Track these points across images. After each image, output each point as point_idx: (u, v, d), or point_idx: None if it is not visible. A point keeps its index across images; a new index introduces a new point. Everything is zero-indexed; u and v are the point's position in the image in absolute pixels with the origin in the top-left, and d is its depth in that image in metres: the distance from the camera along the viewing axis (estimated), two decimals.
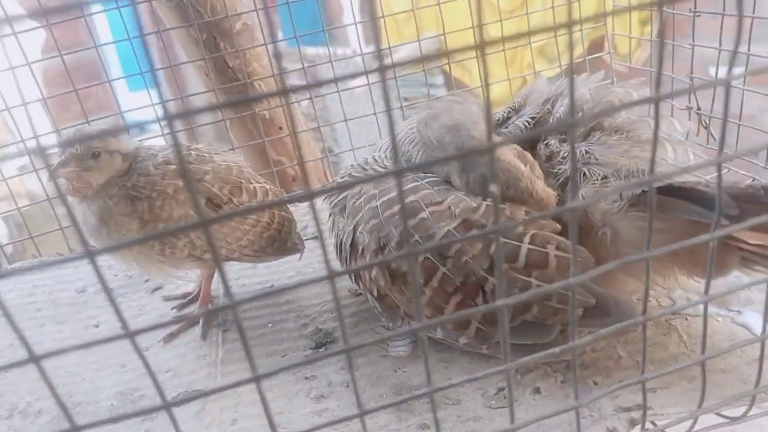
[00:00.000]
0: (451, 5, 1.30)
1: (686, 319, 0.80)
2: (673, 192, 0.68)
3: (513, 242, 0.68)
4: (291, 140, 1.37)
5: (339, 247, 0.86)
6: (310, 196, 0.36)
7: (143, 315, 1.05)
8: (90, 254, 0.36)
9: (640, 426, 0.59)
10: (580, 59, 1.46)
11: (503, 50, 1.37)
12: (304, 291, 1.02)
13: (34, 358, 0.38)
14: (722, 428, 0.60)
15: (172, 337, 0.96)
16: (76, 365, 0.93)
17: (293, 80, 1.75)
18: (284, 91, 0.35)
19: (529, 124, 0.84)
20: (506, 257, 0.68)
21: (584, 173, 0.77)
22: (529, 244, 0.68)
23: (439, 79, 3.13)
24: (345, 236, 0.84)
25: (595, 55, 1.48)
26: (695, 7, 1.10)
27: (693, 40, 1.12)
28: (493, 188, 0.38)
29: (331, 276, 0.39)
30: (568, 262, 0.67)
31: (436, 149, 0.79)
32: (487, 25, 1.41)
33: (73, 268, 1.21)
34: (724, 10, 1.08)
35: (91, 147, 0.84)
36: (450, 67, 1.73)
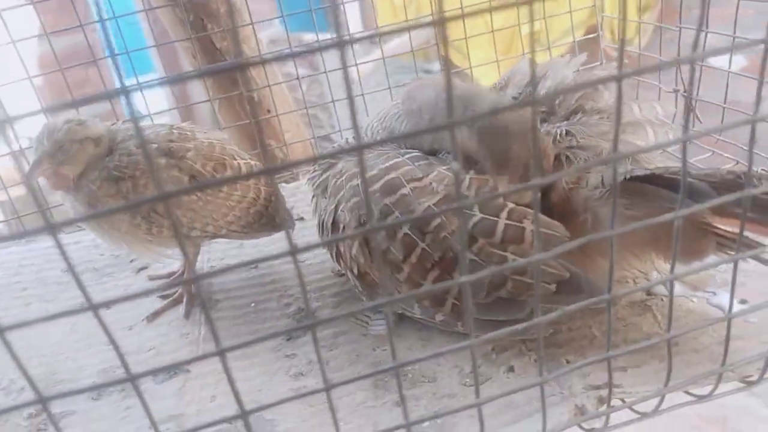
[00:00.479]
0: None
1: (662, 299, 0.81)
2: (656, 180, 0.68)
3: (491, 217, 0.69)
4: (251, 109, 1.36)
5: (321, 226, 0.87)
6: (270, 171, 0.37)
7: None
8: (51, 227, 0.36)
9: (609, 406, 0.60)
10: (572, 41, 1.45)
11: (491, 31, 1.37)
12: (288, 271, 1.03)
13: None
14: (689, 406, 0.61)
15: (155, 315, 0.97)
16: (60, 343, 0.94)
17: (290, 66, 1.74)
18: (242, 65, 0.36)
19: None
20: (484, 232, 0.68)
21: (567, 156, 0.78)
22: (506, 219, 0.69)
23: (437, 66, 3.12)
24: (326, 216, 0.84)
25: (588, 36, 1.47)
26: None
27: (680, 23, 1.12)
28: (455, 165, 0.38)
29: (293, 252, 0.40)
30: (545, 237, 0.68)
31: (423, 113, 0.79)
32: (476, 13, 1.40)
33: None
34: None
35: (58, 141, 0.83)
36: (439, 49, 1.72)
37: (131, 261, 1.13)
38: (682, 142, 0.45)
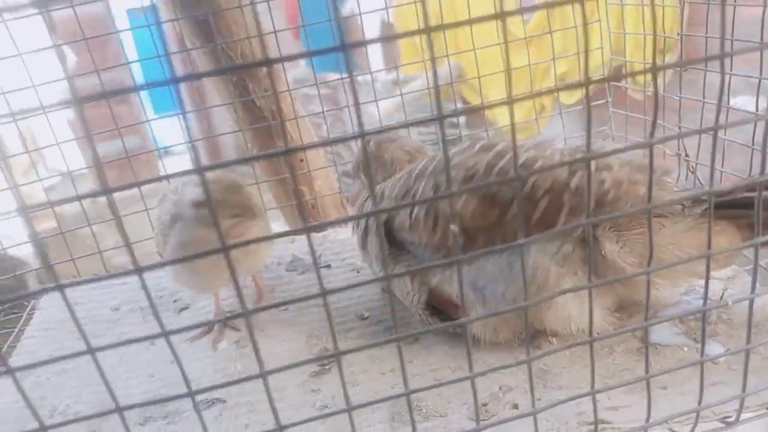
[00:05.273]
0: (469, 29, 1.40)
1: (656, 348, 0.88)
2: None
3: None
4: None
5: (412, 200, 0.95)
6: (307, 230, 0.47)
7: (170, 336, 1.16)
8: (139, 270, 0.46)
9: None
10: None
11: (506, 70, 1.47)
12: (314, 314, 1.12)
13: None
14: None
15: (194, 339, 1.09)
16: (110, 373, 1.03)
17: (313, 104, 1.84)
18: (291, 150, 0.46)
19: None
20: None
21: None
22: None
23: (457, 105, 3.23)
24: (423, 185, 0.93)
25: (596, 102, 1.56)
26: None
27: (680, 92, 1.21)
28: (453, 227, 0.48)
29: (323, 294, 0.50)
30: None
31: None
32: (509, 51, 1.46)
33: (108, 288, 1.33)
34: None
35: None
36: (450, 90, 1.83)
37: (174, 302, 1.24)
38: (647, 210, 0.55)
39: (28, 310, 1.33)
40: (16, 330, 1.26)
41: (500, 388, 0.85)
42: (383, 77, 2.90)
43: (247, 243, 0.45)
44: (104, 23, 1.39)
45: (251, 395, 0.93)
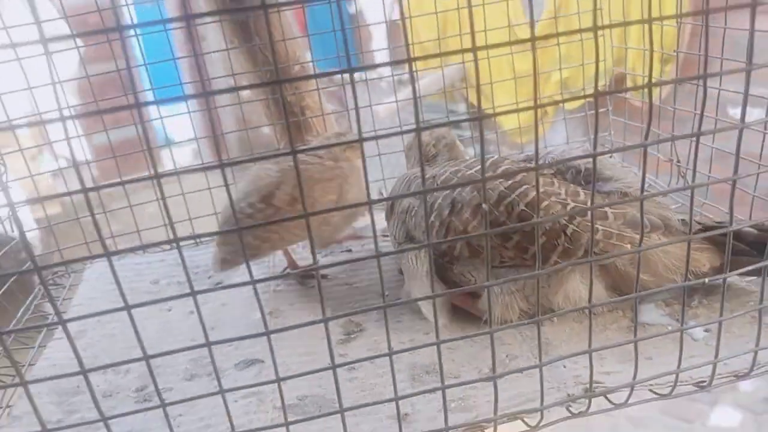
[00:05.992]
0: (478, 34, 1.51)
1: (644, 326, 1.00)
2: None
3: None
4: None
5: (430, 209, 1.06)
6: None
7: (207, 304, 1.27)
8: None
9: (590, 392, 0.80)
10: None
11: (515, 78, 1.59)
12: (338, 291, 1.24)
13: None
14: (652, 402, 0.81)
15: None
16: (154, 338, 1.16)
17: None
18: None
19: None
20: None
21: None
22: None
23: (462, 107, 3.33)
24: (441, 199, 1.05)
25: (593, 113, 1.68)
26: None
27: (674, 103, 1.33)
28: (484, 206, 0.60)
29: (378, 255, 0.62)
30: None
31: None
32: (513, 55, 1.58)
33: (147, 264, 1.45)
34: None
35: None
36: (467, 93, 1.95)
37: (209, 278, 1.36)
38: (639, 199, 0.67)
39: (69, 282, 1.45)
40: (61, 299, 1.39)
41: (507, 356, 0.97)
42: (388, 77, 3.02)
43: (327, 211, 0.57)
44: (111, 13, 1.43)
45: (286, 357, 1.05)
